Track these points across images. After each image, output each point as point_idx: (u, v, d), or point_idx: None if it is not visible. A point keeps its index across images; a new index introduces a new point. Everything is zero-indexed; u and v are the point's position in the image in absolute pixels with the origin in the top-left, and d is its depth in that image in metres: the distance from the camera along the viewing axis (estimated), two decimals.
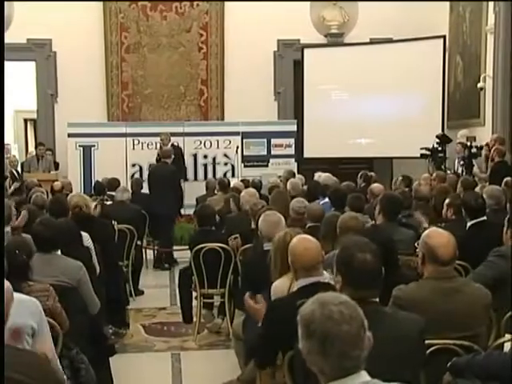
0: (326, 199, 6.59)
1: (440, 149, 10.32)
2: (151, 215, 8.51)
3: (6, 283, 2.60)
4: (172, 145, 10.93)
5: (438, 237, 3.21)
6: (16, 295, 2.76)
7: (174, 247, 9.45)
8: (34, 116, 13.47)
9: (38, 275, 3.80)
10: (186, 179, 11.07)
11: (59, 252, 4.32)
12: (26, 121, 17.35)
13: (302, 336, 1.85)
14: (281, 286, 3.55)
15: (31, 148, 15.51)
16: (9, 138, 16.47)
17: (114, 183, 8.60)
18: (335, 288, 2.83)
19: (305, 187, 8.13)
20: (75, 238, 4.93)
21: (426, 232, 3.33)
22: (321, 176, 8.54)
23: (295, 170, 10.59)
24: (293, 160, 11.82)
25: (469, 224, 4.90)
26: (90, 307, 4.34)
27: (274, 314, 3.16)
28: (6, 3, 11.95)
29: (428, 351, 2.85)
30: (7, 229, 5.07)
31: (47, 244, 4.24)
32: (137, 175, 11.25)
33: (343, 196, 5.93)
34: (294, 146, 11.88)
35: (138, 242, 7.60)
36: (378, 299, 2.60)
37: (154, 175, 9.52)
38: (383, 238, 3.68)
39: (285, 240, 3.70)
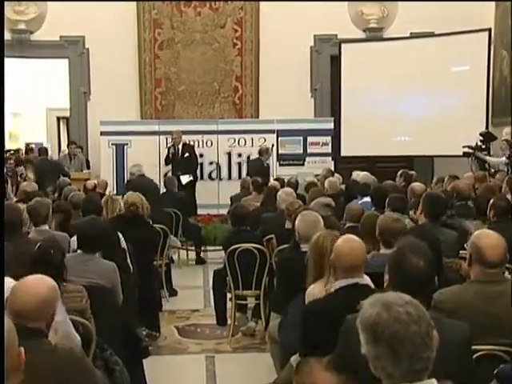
0: (365, 199, 6.56)
1: (484, 147, 10.16)
2: None
3: (53, 282, 2.67)
4: (184, 143, 10.98)
5: (486, 237, 3.16)
6: None
7: (208, 247, 9.54)
8: (67, 114, 13.65)
9: (72, 275, 3.86)
10: (196, 178, 11.12)
11: (97, 254, 4.39)
12: (58, 119, 17.59)
13: (366, 341, 1.84)
14: (315, 291, 3.54)
15: (64, 146, 15.71)
16: (41, 136, 16.74)
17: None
18: (374, 290, 2.80)
19: (342, 186, 8.11)
20: (115, 241, 5.00)
21: (476, 232, 3.29)
22: (359, 175, 8.49)
23: (332, 169, 10.53)
24: (329, 158, 11.77)
25: None
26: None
27: (311, 317, 3.15)
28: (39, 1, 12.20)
29: (473, 357, 2.80)
30: (45, 227, 5.16)
31: (90, 244, 4.31)
32: (170, 174, 11.30)
33: (386, 195, 5.89)
34: (330, 144, 11.82)
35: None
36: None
37: (252, 172, 9.87)
38: (430, 239, 3.63)
39: (317, 243, 3.70)
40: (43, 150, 11.59)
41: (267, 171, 10.42)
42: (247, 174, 10.27)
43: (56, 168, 10.59)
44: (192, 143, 11.28)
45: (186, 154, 10.85)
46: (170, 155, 10.84)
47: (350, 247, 3.22)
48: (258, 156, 10.66)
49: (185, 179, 10.52)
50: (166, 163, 11.03)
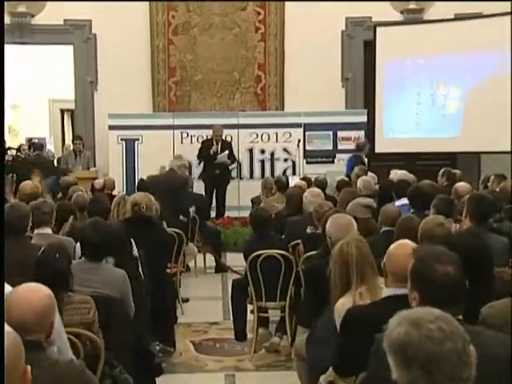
0: (403, 201, 6.53)
1: None
2: None
3: (48, 290, 2.71)
4: (222, 140, 11.07)
5: None
6: None
7: (227, 253, 9.59)
8: (72, 106, 13.77)
9: (78, 285, 3.89)
10: (229, 179, 11.39)
11: (104, 261, 4.42)
12: (62, 111, 17.74)
13: (397, 365, 1.82)
14: (345, 306, 3.52)
15: (68, 142, 15.84)
16: (44, 130, 16.89)
17: None
18: None
19: (377, 186, 8.09)
20: (125, 247, 5.02)
21: None
22: (397, 173, 8.47)
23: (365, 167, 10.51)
24: (362, 155, 11.75)
25: None
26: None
27: (353, 322, 3.16)
28: None
29: None
30: (46, 230, 5.20)
31: (97, 251, 4.34)
32: (185, 172, 11.35)
33: (425, 196, 5.87)
34: (363, 139, 11.80)
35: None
36: (461, 316, 2.57)
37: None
38: (478, 245, 3.62)
39: (342, 251, 3.70)
40: (38, 146, 11.78)
41: None
42: (347, 175, 9.91)
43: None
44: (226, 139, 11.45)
45: (226, 152, 10.98)
46: (212, 153, 10.94)
47: (402, 253, 3.20)
48: (356, 153, 10.74)
49: (222, 158, 10.90)
50: (200, 159, 11.24)
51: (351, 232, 4.31)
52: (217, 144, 11.07)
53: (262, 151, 11.82)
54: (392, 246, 3.32)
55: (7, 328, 1.99)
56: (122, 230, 5.19)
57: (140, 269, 5.18)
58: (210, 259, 9.21)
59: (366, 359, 2.61)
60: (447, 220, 5.25)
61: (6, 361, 1.88)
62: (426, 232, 4.24)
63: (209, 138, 11.31)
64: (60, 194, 8.29)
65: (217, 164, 10.95)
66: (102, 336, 3.70)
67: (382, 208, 5.69)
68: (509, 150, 10.26)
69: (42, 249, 3.86)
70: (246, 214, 9.36)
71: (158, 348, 5.63)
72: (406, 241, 3.40)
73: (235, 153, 11.50)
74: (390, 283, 3.23)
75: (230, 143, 11.36)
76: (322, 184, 8.32)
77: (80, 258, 4.58)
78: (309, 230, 6.16)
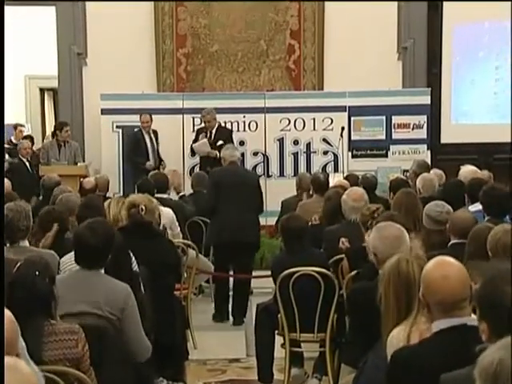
0: (477, 206, 6.51)
1: None
2: None
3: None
4: (219, 126, 11.05)
5: None
6: None
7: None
8: (55, 84, 13.85)
9: (71, 301, 3.98)
10: None
11: (102, 270, 4.48)
12: (42, 91, 17.84)
13: None
14: (400, 338, 3.53)
15: (50, 129, 15.93)
16: (19, 114, 16.96)
17: (161, 180, 8.74)
18: None
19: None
20: (124, 260, 5.07)
21: None
22: (468, 170, 8.44)
23: (429, 162, 10.47)
24: (425, 147, 11.74)
25: None
26: (137, 351, 4.47)
27: (400, 366, 3.17)
28: None
29: None
30: (25, 243, 5.26)
31: (94, 256, 4.40)
32: (198, 168, 11.38)
33: (503, 198, 5.84)
34: (426, 126, 11.79)
35: None
36: None
37: None
38: None
39: (398, 269, 3.71)
40: None
41: None
42: None
43: None
44: (229, 126, 11.41)
45: (220, 142, 10.91)
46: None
47: (442, 275, 3.20)
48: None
49: (199, 147, 10.84)
50: (193, 153, 11.25)
51: (403, 247, 4.30)
52: (209, 133, 11.02)
53: (296, 142, 11.82)
54: (426, 270, 3.29)
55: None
56: (121, 241, 5.23)
57: (142, 290, 5.23)
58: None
59: None
60: None
61: None
62: (494, 244, 4.23)
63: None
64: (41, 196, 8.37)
65: (204, 159, 10.92)
66: (95, 375, 3.74)
67: (451, 215, 5.68)
68: None
69: (18, 264, 3.90)
70: (273, 221, 9.41)
71: None
72: (442, 258, 3.38)
73: (261, 144, 11.53)
74: (436, 315, 3.22)
75: (230, 131, 11.32)
76: (369, 183, 8.31)
77: None
78: (342, 244, 6.15)
